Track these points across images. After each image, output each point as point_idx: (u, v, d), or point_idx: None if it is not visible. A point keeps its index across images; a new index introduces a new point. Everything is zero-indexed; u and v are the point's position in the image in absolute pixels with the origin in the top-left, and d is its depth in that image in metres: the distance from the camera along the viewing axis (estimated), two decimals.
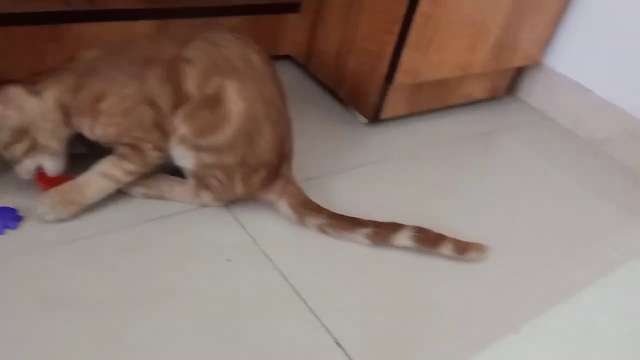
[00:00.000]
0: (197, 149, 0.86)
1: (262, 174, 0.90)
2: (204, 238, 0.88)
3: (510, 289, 0.92)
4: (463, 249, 0.92)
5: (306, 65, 1.36)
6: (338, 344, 0.76)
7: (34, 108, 0.80)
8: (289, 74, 1.36)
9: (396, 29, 1.10)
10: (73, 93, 0.82)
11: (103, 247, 0.82)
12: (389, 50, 1.13)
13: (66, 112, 0.82)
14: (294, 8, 1.30)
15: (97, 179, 0.85)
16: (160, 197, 0.92)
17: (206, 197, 0.92)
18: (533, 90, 1.52)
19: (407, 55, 1.12)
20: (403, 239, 0.90)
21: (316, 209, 0.92)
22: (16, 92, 0.79)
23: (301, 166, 1.00)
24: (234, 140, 0.86)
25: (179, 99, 0.84)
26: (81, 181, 0.85)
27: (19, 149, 0.80)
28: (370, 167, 1.12)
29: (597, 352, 0.86)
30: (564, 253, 1.03)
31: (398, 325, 0.82)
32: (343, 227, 0.91)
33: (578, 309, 0.92)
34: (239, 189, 0.91)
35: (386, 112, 1.23)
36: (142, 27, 1.09)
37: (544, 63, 1.48)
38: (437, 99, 1.34)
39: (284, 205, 0.92)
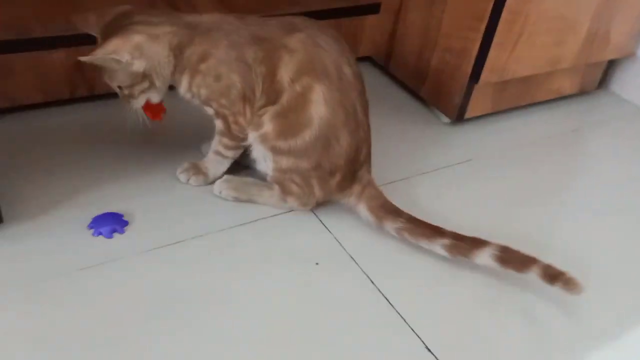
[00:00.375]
0: (276, 151, 0.89)
1: (337, 177, 0.91)
2: (292, 242, 0.90)
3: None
4: (553, 277, 0.82)
5: (385, 65, 1.36)
6: (428, 349, 0.77)
7: (155, 55, 0.85)
8: (368, 75, 1.37)
9: (482, 26, 1.08)
10: (183, 47, 0.87)
11: (198, 250, 0.86)
12: (474, 49, 1.11)
13: (175, 61, 0.87)
14: (374, 9, 1.30)
15: (212, 156, 0.97)
16: (250, 201, 0.96)
17: (292, 201, 0.94)
18: (626, 83, 1.44)
19: (493, 53, 1.10)
20: (484, 257, 0.85)
21: (395, 213, 0.91)
22: (141, 40, 0.83)
23: (383, 168, 1.01)
24: (312, 145, 0.88)
25: (270, 82, 0.87)
26: (205, 159, 0.98)
27: (138, 88, 0.87)
28: (454, 169, 1.11)
29: None
30: None
31: (487, 332, 0.81)
32: (422, 234, 0.88)
33: None
34: (317, 192, 0.93)
35: (471, 111, 1.21)
36: None
37: (638, 54, 1.40)
38: (525, 96, 1.30)
39: (362, 209, 0.93)
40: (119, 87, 0.88)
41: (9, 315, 0.73)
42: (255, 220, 0.93)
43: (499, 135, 1.23)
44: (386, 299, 0.83)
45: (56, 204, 0.89)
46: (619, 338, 0.83)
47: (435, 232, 0.88)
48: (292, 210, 0.95)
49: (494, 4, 1.05)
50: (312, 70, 0.86)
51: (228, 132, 0.92)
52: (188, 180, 0.98)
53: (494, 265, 0.85)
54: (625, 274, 0.93)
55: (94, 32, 0.87)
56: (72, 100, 1.09)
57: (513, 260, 0.84)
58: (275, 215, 0.94)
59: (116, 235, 0.85)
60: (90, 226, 0.86)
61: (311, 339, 0.76)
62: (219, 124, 0.93)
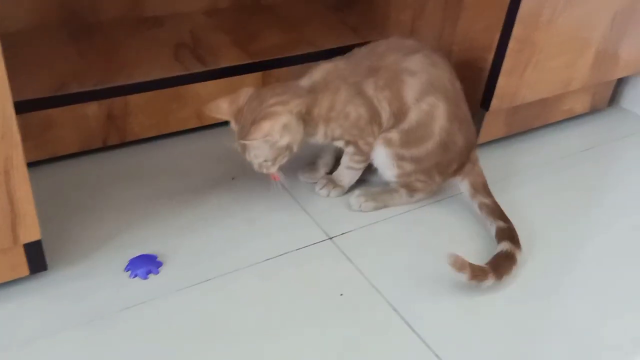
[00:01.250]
0: (400, 157, 1.04)
1: (454, 166, 1.07)
2: (319, 273, 0.95)
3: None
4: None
5: None
6: None
7: (295, 127, 0.96)
8: None
9: (490, 56, 1.13)
10: (311, 109, 0.98)
11: (229, 286, 0.91)
12: (483, 77, 1.15)
13: (304, 124, 0.98)
14: None
15: (344, 171, 1.09)
16: (386, 206, 1.09)
17: (419, 196, 1.10)
18: (637, 99, 1.47)
19: (502, 81, 1.14)
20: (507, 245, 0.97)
21: (488, 192, 1.07)
22: (286, 119, 0.94)
23: None
24: (433, 152, 1.03)
25: (397, 103, 1.00)
26: (337, 174, 1.11)
27: (280, 159, 0.98)
28: (460, 196, 1.15)
29: None
30: None
31: (518, 351, 0.84)
32: (492, 215, 1.03)
33: None
34: (437, 180, 1.08)
35: (484, 137, 1.25)
36: (250, 79, 1.20)
37: None
38: (537, 118, 1.33)
39: (465, 184, 1.08)
40: (264, 161, 0.97)
41: (57, 358, 0.78)
42: (283, 254, 0.97)
43: (513, 158, 1.26)
44: (409, 325, 0.86)
45: (95, 249, 0.95)
46: None
47: (502, 218, 1.02)
48: (321, 241, 1.00)
49: (501, 34, 1.10)
50: (435, 89, 1.00)
51: (360, 152, 1.04)
52: (328, 194, 1.10)
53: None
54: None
55: (227, 117, 0.98)
56: (104, 149, 1.16)
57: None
58: (299, 248, 0.99)
59: (151, 276, 0.91)
60: (127, 268, 0.91)
61: None
62: (349, 149, 1.05)
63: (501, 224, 1.01)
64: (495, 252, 0.96)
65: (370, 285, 0.93)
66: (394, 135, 1.02)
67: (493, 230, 1.01)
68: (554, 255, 1.02)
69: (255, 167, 0.99)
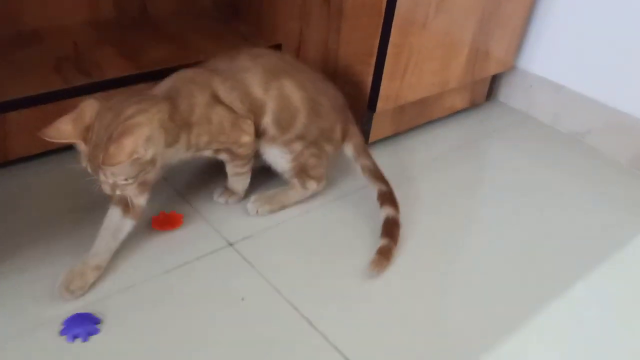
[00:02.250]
0: (287, 143, 1.06)
1: (338, 130, 1.11)
2: (219, 282, 0.95)
3: (503, 291, 1.00)
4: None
5: None
6: None
7: (157, 137, 0.87)
8: None
9: (372, 60, 1.19)
10: (173, 115, 0.91)
11: (133, 298, 0.89)
12: (368, 81, 1.21)
13: (165, 133, 0.90)
14: (277, 48, 1.39)
15: (233, 179, 1.10)
16: (283, 207, 1.12)
17: (313, 185, 1.13)
18: (511, 93, 1.60)
19: (385, 83, 1.20)
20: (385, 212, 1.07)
21: (369, 154, 1.14)
22: (148, 130, 0.84)
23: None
24: (309, 123, 1.06)
25: (250, 100, 1.01)
26: (229, 182, 1.11)
27: (142, 175, 0.87)
28: (365, 191, 1.20)
29: (592, 342, 0.93)
30: (555, 247, 1.10)
31: (408, 341, 0.89)
32: (373, 177, 1.11)
33: (572, 303, 0.99)
34: (330, 149, 1.11)
35: (373, 137, 1.31)
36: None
37: (518, 66, 1.56)
38: (421, 116, 1.41)
39: (349, 147, 1.13)
40: (124, 180, 0.85)
41: None
42: (179, 266, 0.97)
43: (403, 154, 1.33)
44: (309, 322, 0.90)
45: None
46: None
47: (381, 178, 1.11)
48: (221, 248, 1.01)
49: (380, 40, 1.16)
50: (272, 73, 1.03)
51: (236, 157, 1.04)
52: (226, 201, 1.11)
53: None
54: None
55: (74, 139, 0.84)
56: None
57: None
58: (199, 257, 0.99)
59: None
60: (64, 332, 0.83)
61: None
62: (224, 157, 1.04)
63: (382, 187, 1.10)
64: (382, 220, 1.06)
65: (271, 287, 0.95)
66: (271, 131, 1.05)
67: (375, 193, 1.10)
68: (431, 244, 1.10)
69: (107, 189, 0.86)
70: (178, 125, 0.92)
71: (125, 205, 0.94)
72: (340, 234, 1.09)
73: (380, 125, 1.31)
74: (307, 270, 1.00)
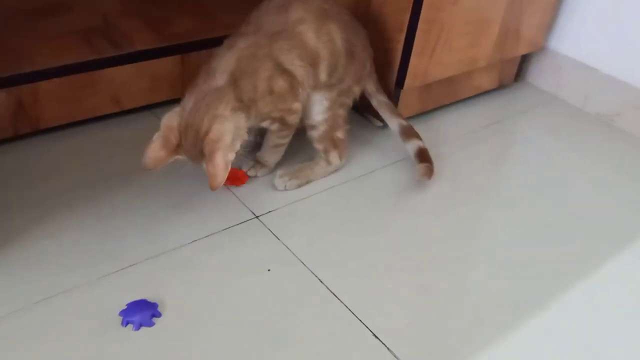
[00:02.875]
0: (328, 87, 1.08)
1: (365, 69, 1.14)
2: (245, 252, 0.96)
3: (527, 266, 0.99)
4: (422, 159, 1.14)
5: None
6: (375, 336, 0.84)
7: (239, 121, 0.96)
8: None
9: (402, 37, 1.17)
10: (241, 96, 0.97)
11: (162, 267, 0.91)
12: (397, 58, 1.20)
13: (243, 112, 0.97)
14: None
15: (270, 149, 1.12)
16: (308, 182, 1.13)
17: (336, 160, 1.15)
18: (540, 74, 1.57)
19: (414, 60, 1.19)
20: (412, 146, 1.16)
21: (383, 92, 1.20)
22: (229, 126, 0.93)
23: None
24: (346, 65, 1.09)
25: (309, 54, 1.03)
26: (262, 153, 1.14)
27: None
28: (389, 169, 1.20)
29: (618, 322, 0.92)
30: (581, 226, 1.09)
31: (430, 314, 0.89)
32: (390, 111, 1.19)
33: (600, 284, 0.98)
34: (357, 91, 1.15)
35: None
36: (169, 62, 1.19)
37: (548, 47, 1.53)
38: (448, 94, 1.40)
39: (369, 84, 1.18)
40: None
41: None
42: (207, 236, 0.98)
43: (428, 133, 1.31)
44: (334, 294, 0.90)
45: (9, 242, 0.92)
46: None
47: (400, 115, 1.19)
48: (247, 220, 1.02)
49: (410, 16, 1.15)
50: (321, 18, 1.04)
51: (285, 126, 1.06)
52: (256, 174, 1.13)
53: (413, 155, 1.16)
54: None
55: (172, 158, 0.94)
56: (16, 138, 1.11)
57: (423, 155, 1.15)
58: (226, 228, 1.00)
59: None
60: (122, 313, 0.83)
61: (270, 339, 0.83)
62: (275, 127, 1.06)
63: (402, 121, 1.18)
64: (414, 151, 1.15)
65: (297, 259, 0.96)
66: (323, 77, 1.07)
67: (396, 129, 1.19)
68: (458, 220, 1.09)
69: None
70: (247, 104, 0.97)
71: None
72: (363, 209, 1.09)
73: (406, 102, 1.30)
74: (331, 243, 1.00)
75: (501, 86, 1.53)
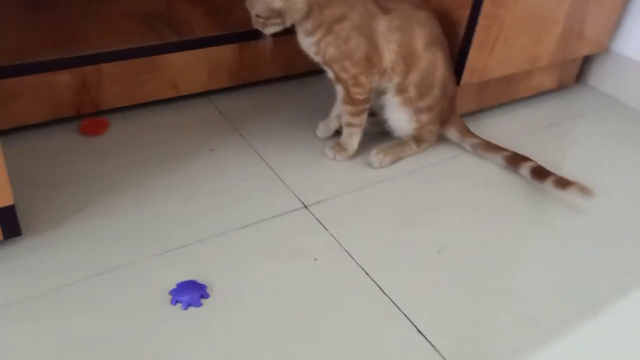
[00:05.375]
0: (418, 111, 1.12)
1: (447, 113, 1.18)
2: (292, 240, 0.97)
3: (584, 271, 0.96)
4: (565, 184, 1.07)
5: None
6: (420, 332, 0.84)
7: (293, 1, 0.99)
8: None
9: (460, 32, 1.15)
10: (323, 6, 1.01)
11: (208, 251, 0.93)
12: (454, 53, 1.18)
13: (308, 12, 1.02)
14: None
15: (345, 130, 1.15)
16: (400, 159, 1.17)
17: (425, 146, 1.19)
18: (602, 77, 1.52)
19: (472, 56, 1.17)
20: (525, 169, 1.13)
21: (472, 134, 1.21)
22: None
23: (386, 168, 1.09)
24: (438, 99, 1.13)
25: (407, 49, 1.07)
26: (342, 137, 1.16)
27: (271, 22, 1.01)
28: (443, 165, 1.18)
29: None
30: None
31: (479, 314, 0.88)
32: (489, 148, 1.18)
33: None
34: (437, 128, 1.18)
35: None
36: (227, 50, 1.20)
37: (612, 49, 1.48)
38: (506, 93, 1.37)
39: (453, 131, 1.20)
40: (256, 15, 1.01)
41: (25, 320, 0.80)
42: (257, 222, 0.99)
43: (484, 131, 1.29)
44: (379, 286, 0.90)
45: (68, 217, 0.96)
46: None
47: (498, 148, 1.18)
48: (296, 209, 1.02)
49: (470, 11, 1.12)
50: (434, 41, 1.09)
51: (349, 97, 1.09)
52: (334, 156, 1.15)
53: (528, 176, 1.13)
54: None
55: None
56: (77, 117, 1.15)
57: (540, 173, 1.11)
58: (275, 216, 1.01)
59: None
60: (172, 292, 0.85)
61: (302, 329, 0.83)
62: (340, 90, 1.10)
63: (506, 152, 1.16)
64: (530, 171, 1.12)
65: (344, 250, 0.96)
66: (411, 92, 1.10)
67: (501, 161, 1.17)
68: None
69: (253, 20, 1.03)
70: (322, 20, 1.02)
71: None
72: (413, 205, 1.08)
73: (463, 100, 1.27)
74: (379, 237, 0.99)
75: (561, 87, 1.49)
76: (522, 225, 1.06)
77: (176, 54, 1.16)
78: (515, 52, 1.24)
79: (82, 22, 1.19)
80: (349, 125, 1.13)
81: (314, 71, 1.26)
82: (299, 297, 0.87)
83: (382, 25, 1.05)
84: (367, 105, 1.11)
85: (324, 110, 1.23)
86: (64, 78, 1.08)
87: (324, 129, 1.19)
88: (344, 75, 1.06)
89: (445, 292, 0.91)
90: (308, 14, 1.01)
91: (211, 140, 1.16)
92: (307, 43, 1.06)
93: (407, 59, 1.07)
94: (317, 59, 1.07)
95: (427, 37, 1.08)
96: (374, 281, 0.91)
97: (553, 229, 1.06)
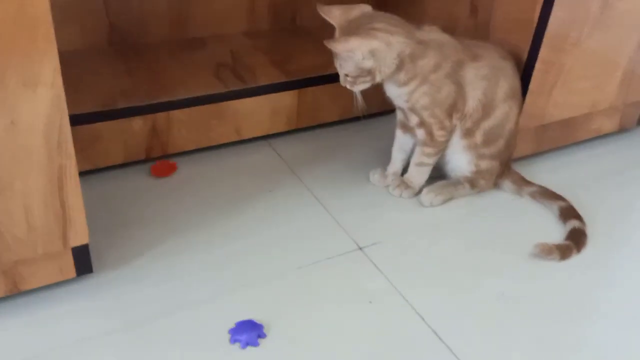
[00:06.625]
0: (480, 157, 1.13)
1: (502, 167, 1.18)
2: (347, 283, 0.98)
3: None
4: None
5: None
6: None
7: (384, 58, 1.00)
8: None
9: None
10: (416, 58, 1.02)
11: (263, 291, 0.95)
12: None
13: (399, 66, 1.02)
14: None
15: (414, 169, 1.16)
16: (451, 198, 1.17)
17: (478, 190, 1.19)
18: None
19: (530, 100, 1.17)
20: (573, 223, 1.10)
21: (529, 182, 1.20)
22: (377, 46, 0.99)
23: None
24: (501, 151, 1.15)
25: (491, 98, 1.09)
26: (408, 175, 1.18)
27: (360, 79, 1.03)
28: (503, 208, 1.18)
29: None
30: None
31: (521, 346, 0.86)
32: (547, 196, 1.16)
33: None
34: (492, 179, 1.19)
35: (514, 154, 1.27)
36: (287, 97, 1.26)
37: None
38: (564, 136, 1.35)
39: (507, 182, 1.20)
40: (345, 74, 1.03)
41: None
42: (313, 263, 1.02)
43: (542, 176, 1.27)
44: (436, 333, 0.89)
45: (138, 255, 1.01)
46: None
47: (557, 196, 1.16)
48: (351, 251, 1.04)
49: (527, 56, 1.13)
50: (513, 95, 1.12)
51: (431, 140, 1.11)
52: (401, 194, 1.17)
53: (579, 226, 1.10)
54: None
55: (335, 23, 1.02)
56: (147, 160, 1.22)
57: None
58: (330, 257, 1.03)
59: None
60: (231, 331, 0.87)
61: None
62: (420, 133, 1.11)
63: (562, 203, 1.14)
64: (568, 230, 1.09)
65: (399, 294, 0.96)
66: (477, 137, 1.11)
67: (556, 211, 1.14)
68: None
69: (341, 78, 1.05)
70: (417, 71, 1.03)
71: (403, 126, 1.16)
72: (470, 251, 1.07)
73: (521, 143, 1.26)
74: (436, 283, 0.99)
75: (622, 130, 1.45)
76: (587, 275, 1.03)
77: (240, 100, 1.22)
78: (574, 97, 1.23)
79: (156, 72, 1.28)
80: (422, 164, 1.14)
81: (370, 115, 1.29)
82: (353, 340, 0.88)
83: (471, 72, 1.07)
84: (446, 146, 1.13)
85: (378, 153, 1.25)
86: (137, 123, 1.15)
87: (378, 179, 1.20)
88: (431, 120, 1.08)
89: (510, 345, 0.89)
90: (399, 67, 1.02)
91: (270, 182, 1.20)
92: (397, 93, 1.07)
93: (486, 107, 1.09)
94: (405, 105, 1.09)
95: (508, 90, 1.10)
96: (431, 327, 0.91)
97: (619, 281, 1.02)
